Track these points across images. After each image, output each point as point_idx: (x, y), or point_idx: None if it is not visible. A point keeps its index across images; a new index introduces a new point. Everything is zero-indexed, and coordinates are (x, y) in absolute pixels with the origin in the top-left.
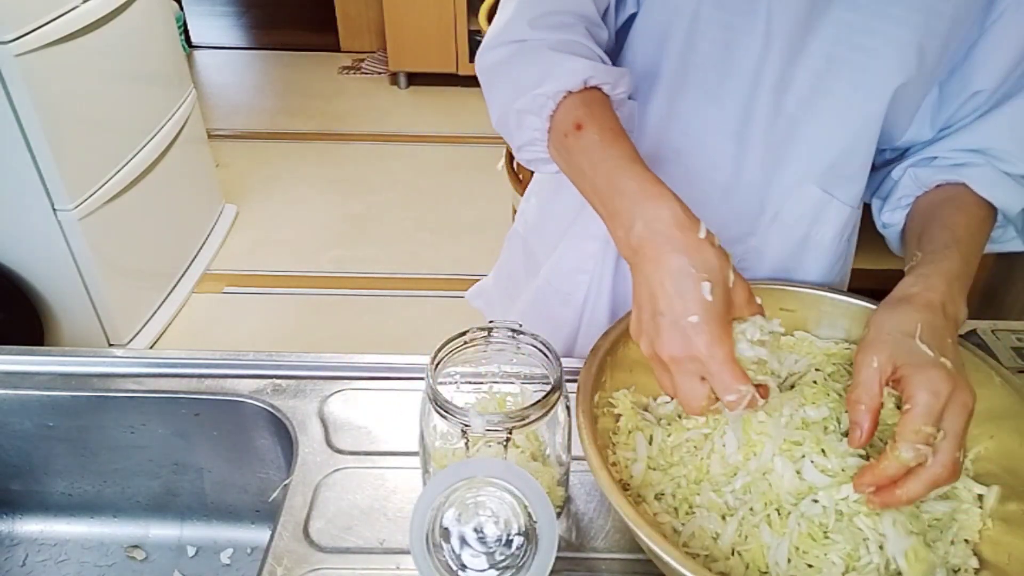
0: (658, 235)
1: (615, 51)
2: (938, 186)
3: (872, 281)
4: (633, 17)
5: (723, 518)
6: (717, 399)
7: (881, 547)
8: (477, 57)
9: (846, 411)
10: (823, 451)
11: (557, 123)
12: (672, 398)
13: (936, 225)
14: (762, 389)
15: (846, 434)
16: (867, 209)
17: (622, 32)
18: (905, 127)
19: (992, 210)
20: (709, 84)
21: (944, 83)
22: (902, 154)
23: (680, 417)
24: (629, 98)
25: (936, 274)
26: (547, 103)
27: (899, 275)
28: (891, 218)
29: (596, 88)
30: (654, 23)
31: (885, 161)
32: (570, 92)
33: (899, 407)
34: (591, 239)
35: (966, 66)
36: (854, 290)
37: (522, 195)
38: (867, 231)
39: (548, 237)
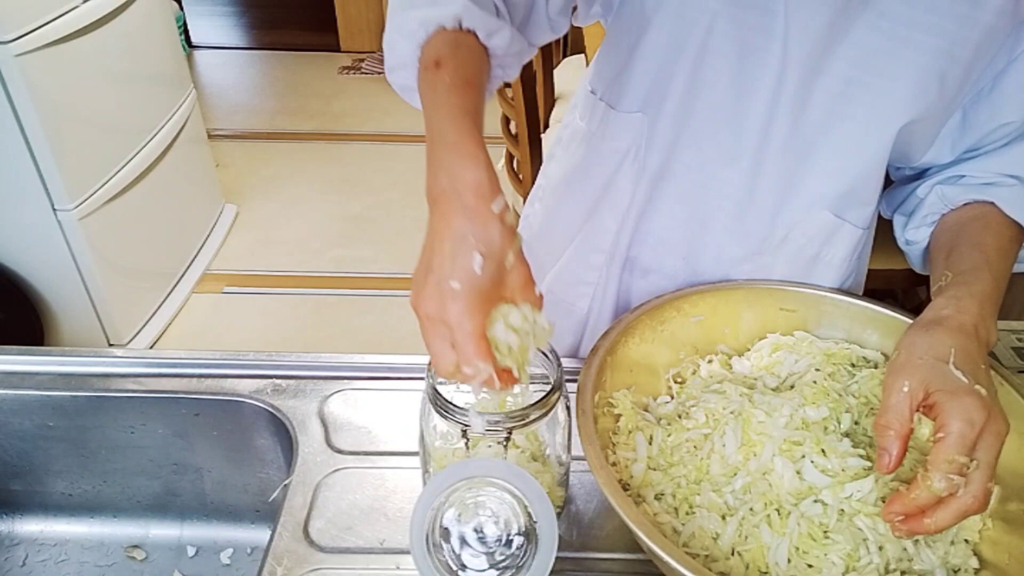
0: (454, 194)
1: (610, 63)
2: (965, 204)
3: (874, 281)
4: (642, 31)
5: (723, 518)
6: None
7: (881, 548)
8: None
9: (847, 411)
10: (823, 451)
11: (425, 54)
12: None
13: (965, 245)
14: (505, 374)
15: (847, 434)
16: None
17: (631, 46)
18: (925, 150)
19: (1020, 230)
20: (723, 102)
21: (969, 109)
22: (922, 172)
23: (680, 417)
24: (638, 112)
25: (968, 296)
26: (418, 30)
27: (901, 274)
28: (915, 235)
29: (472, 33)
30: (666, 37)
31: (905, 178)
32: (443, 27)
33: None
34: (596, 251)
35: (995, 95)
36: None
37: (522, 196)
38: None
39: (554, 244)
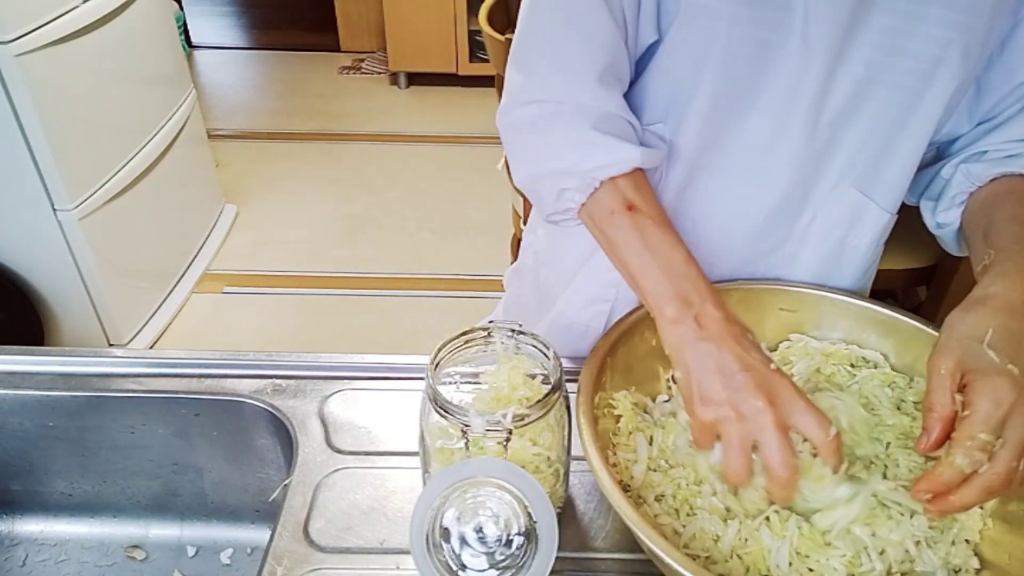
0: (720, 313)
1: (635, 80)
2: (992, 180)
3: (875, 282)
4: (654, 45)
5: (724, 520)
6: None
7: (882, 552)
8: (501, 114)
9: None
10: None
11: (600, 199)
12: (739, 483)
13: (1001, 220)
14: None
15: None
16: None
17: (641, 59)
18: (945, 121)
19: None
20: (745, 102)
21: (982, 76)
22: (943, 151)
23: (674, 416)
24: (658, 123)
25: (1014, 272)
26: (593, 183)
27: (901, 274)
28: (946, 217)
29: (639, 169)
30: (685, 49)
31: (928, 160)
32: (614, 176)
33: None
34: (613, 268)
35: (1005, 57)
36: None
37: (522, 196)
38: None
39: (564, 268)
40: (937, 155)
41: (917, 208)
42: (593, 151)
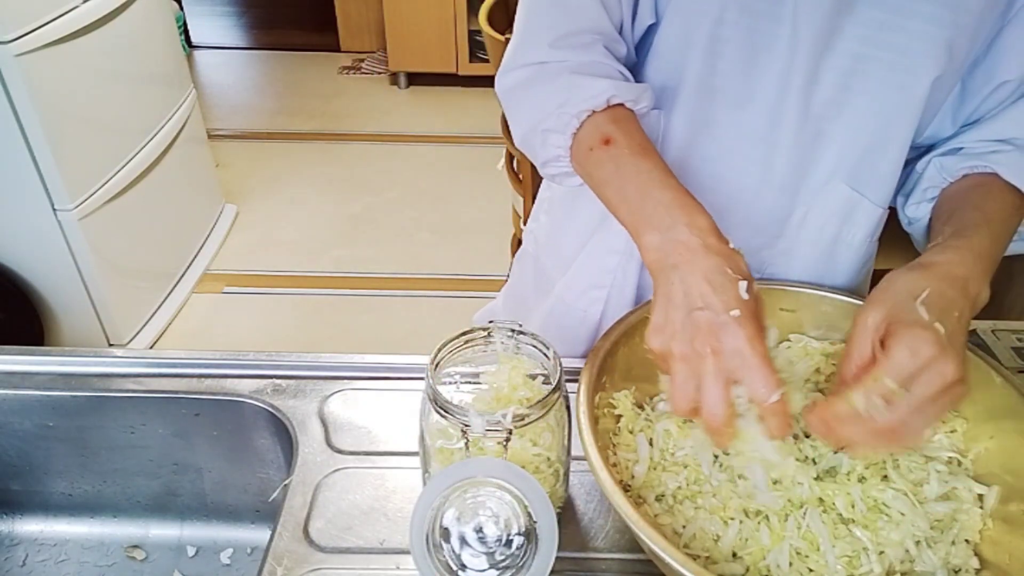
0: (695, 239)
1: (636, 64)
2: (964, 176)
3: (874, 282)
4: (652, 29)
5: (725, 522)
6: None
7: (882, 553)
8: (497, 79)
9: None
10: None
11: (581, 139)
12: (681, 414)
13: (966, 208)
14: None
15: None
16: None
17: (641, 45)
18: (928, 123)
19: (1022, 198)
20: (735, 90)
21: (966, 77)
22: (925, 151)
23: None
24: (653, 108)
25: (965, 248)
26: (571, 121)
27: None
28: (916, 212)
29: (620, 105)
30: (677, 32)
31: (910, 160)
32: (594, 111)
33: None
34: (611, 253)
35: (989, 58)
36: None
37: (522, 195)
38: None
39: (562, 254)
40: (919, 154)
41: None
42: (571, 91)
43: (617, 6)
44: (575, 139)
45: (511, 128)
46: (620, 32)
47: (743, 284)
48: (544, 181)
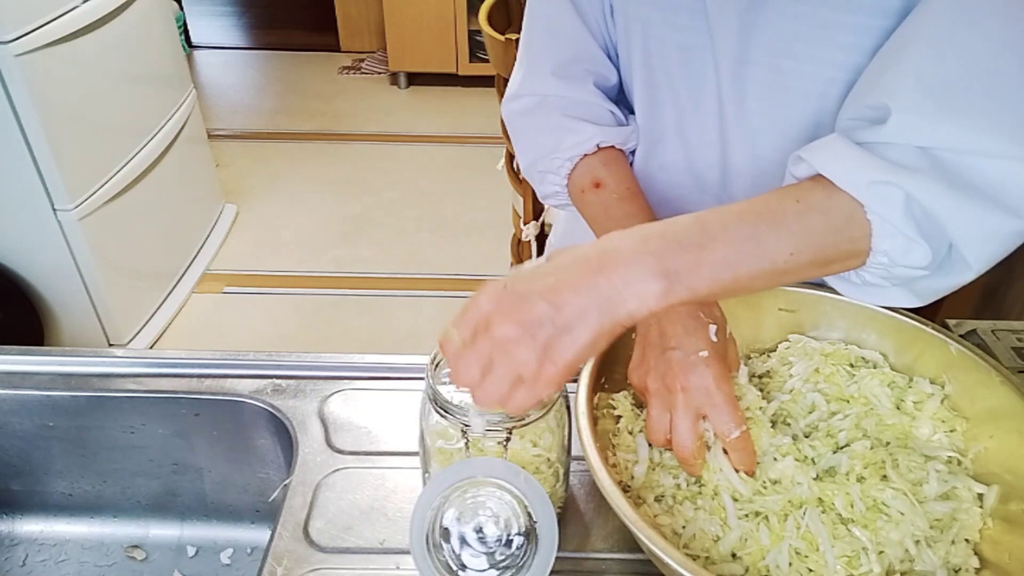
0: None
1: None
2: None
3: None
4: None
5: (725, 522)
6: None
7: (881, 552)
8: (504, 104)
9: (811, 411)
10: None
11: (575, 180)
12: (656, 444)
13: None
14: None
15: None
16: None
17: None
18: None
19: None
20: (681, 100)
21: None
22: None
23: None
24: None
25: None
26: (565, 164)
27: None
28: None
29: (611, 147)
30: (623, 48)
31: None
32: (586, 154)
33: (898, 407)
34: None
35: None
36: None
37: (522, 195)
38: None
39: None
40: None
41: None
42: (562, 135)
43: (599, 28)
44: (570, 179)
45: (516, 155)
46: (608, 54)
47: (712, 327)
48: None
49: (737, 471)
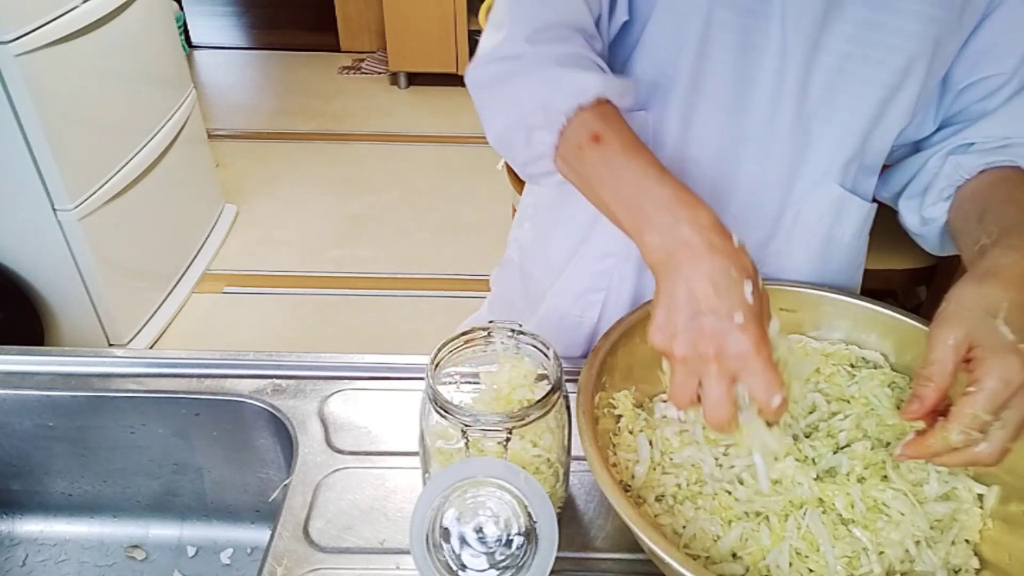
0: (698, 237)
1: (611, 62)
2: (981, 172)
3: (874, 281)
4: (627, 26)
5: (728, 522)
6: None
7: (881, 553)
8: (468, 72)
9: (811, 411)
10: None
11: (569, 136)
12: (680, 408)
13: (997, 203)
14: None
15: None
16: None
17: (618, 42)
18: (912, 120)
19: None
20: (725, 91)
21: (946, 75)
22: (914, 149)
23: (680, 419)
24: (640, 110)
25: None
26: (559, 117)
27: (901, 274)
28: (933, 212)
29: (607, 101)
30: (666, 32)
31: (896, 159)
32: (582, 106)
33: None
34: (605, 256)
35: (969, 53)
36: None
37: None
38: (871, 232)
39: (552, 262)
40: (909, 152)
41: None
42: (556, 85)
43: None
44: (562, 136)
45: (484, 125)
46: (598, 26)
47: (748, 285)
48: (527, 186)
49: (769, 425)
